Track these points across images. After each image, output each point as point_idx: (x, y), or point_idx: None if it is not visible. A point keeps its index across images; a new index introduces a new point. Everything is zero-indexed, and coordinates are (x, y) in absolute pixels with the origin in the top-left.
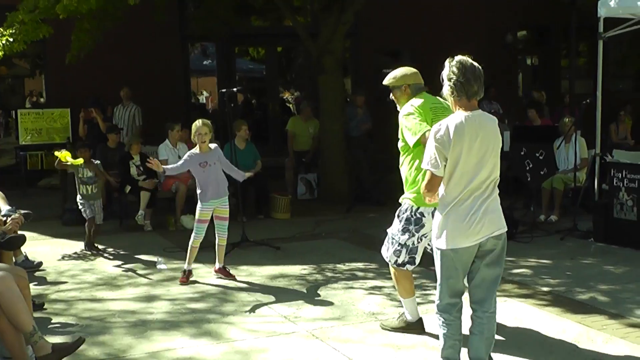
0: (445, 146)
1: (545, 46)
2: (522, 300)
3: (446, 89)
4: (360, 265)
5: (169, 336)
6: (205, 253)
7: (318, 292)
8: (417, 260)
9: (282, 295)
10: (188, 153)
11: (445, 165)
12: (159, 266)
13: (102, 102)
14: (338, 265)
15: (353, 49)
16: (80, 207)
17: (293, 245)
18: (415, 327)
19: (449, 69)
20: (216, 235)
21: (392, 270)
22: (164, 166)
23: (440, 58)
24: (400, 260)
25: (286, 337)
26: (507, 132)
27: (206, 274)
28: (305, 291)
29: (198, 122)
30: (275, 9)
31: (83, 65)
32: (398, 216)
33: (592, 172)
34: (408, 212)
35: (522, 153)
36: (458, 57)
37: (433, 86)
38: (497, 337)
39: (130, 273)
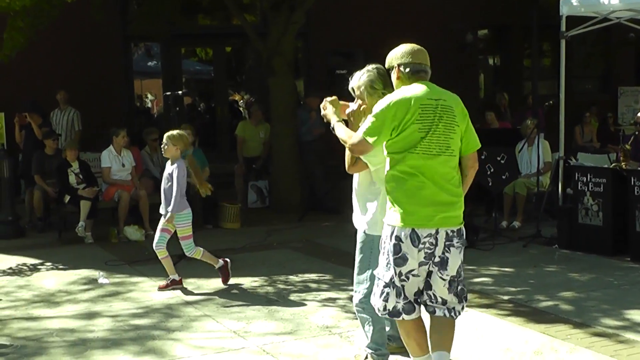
0: None
1: (507, 46)
2: (483, 310)
3: None
4: (313, 276)
5: (110, 355)
6: (150, 266)
7: (269, 305)
8: (417, 309)
9: (231, 309)
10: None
11: None
12: (100, 281)
13: (40, 106)
14: (290, 277)
15: (305, 50)
16: None
17: (243, 256)
18: None
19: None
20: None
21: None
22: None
23: None
24: (390, 306)
25: (235, 353)
26: None
27: (150, 288)
28: (255, 304)
29: (168, 134)
30: (222, 7)
31: (17, 66)
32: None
33: (556, 176)
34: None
35: (483, 157)
36: None
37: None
38: (457, 348)
39: (69, 288)
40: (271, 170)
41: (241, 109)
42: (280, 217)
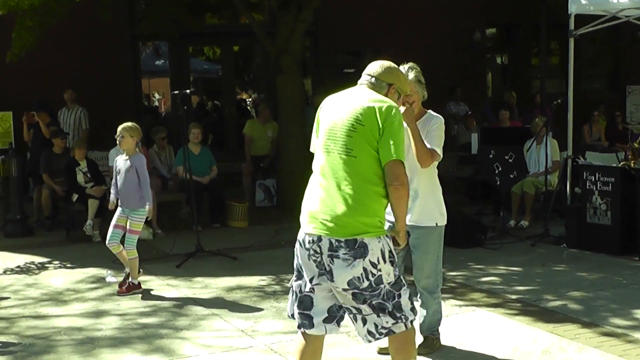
0: None
1: (515, 45)
2: (491, 309)
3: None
4: None
5: (118, 354)
6: (158, 265)
7: (277, 304)
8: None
9: (239, 307)
10: (116, 156)
11: None
12: (108, 279)
13: (48, 104)
14: None
15: (313, 48)
16: None
17: (251, 255)
18: None
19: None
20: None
21: (407, 345)
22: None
23: (404, 57)
24: (415, 310)
25: (243, 352)
26: (475, 133)
27: (158, 287)
28: (263, 303)
29: (121, 126)
30: (231, 6)
31: (26, 66)
32: (375, 265)
33: (564, 175)
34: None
35: (491, 156)
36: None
37: None
38: (465, 348)
39: (77, 287)
40: (279, 168)
41: (249, 107)
42: (288, 216)
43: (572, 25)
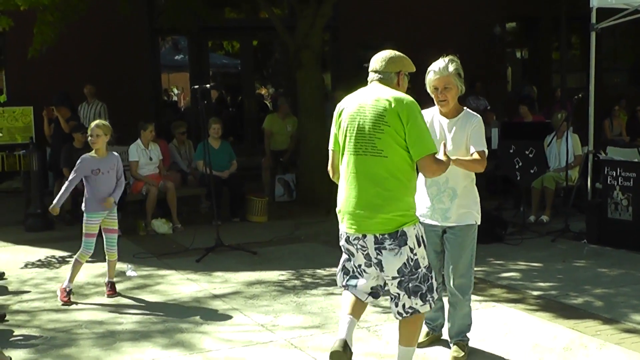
0: None
1: (536, 38)
2: (512, 305)
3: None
4: None
5: (139, 347)
6: (178, 259)
7: (297, 298)
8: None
9: (259, 302)
10: (81, 157)
11: None
12: (128, 273)
13: (69, 99)
14: (318, 271)
15: (332, 43)
16: None
17: (270, 250)
18: None
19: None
20: (105, 250)
21: (419, 320)
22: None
23: (424, 51)
24: (437, 295)
25: (263, 347)
26: (495, 129)
27: (178, 281)
28: (283, 298)
29: (92, 123)
30: (250, 0)
31: (46, 61)
32: (412, 250)
33: (584, 170)
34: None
35: (511, 151)
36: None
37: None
38: (485, 344)
39: (97, 281)
40: (298, 163)
41: (267, 102)
42: (308, 211)
43: (593, 19)
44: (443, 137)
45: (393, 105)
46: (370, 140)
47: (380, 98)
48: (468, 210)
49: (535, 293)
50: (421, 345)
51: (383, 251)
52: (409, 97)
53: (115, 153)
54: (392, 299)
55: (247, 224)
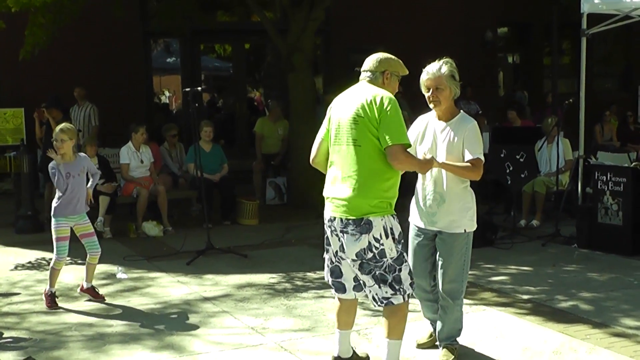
0: None
1: (527, 44)
2: (502, 309)
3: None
4: None
5: (128, 350)
6: (168, 262)
7: (287, 301)
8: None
9: (249, 305)
10: (51, 164)
11: None
12: (118, 276)
13: (61, 101)
14: (308, 274)
15: (324, 47)
16: None
17: (261, 253)
18: None
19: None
20: (87, 253)
21: (400, 311)
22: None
23: (416, 56)
24: (413, 285)
25: (253, 350)
26: (486, 133)
27: (169, 284)
28: (273, 301)
29: (57, 128)
30: (242, 4)
31: (38, 63)
32: (378, 239)
33: (575, 175)
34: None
35: (502, 155)
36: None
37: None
38: (475, 348)
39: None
40: (289, 166)
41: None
42: (299, 214)
43: (584, 25)
44: (435, 140)
45: (370, 98)
46: (347, 132)
47: (362, 93)
48: (456, 217)
49: (526, 297)
50: (423, 346)
51: (345, 235)
52: (388, 93)
53: (82, 154)
54: (364, 285)
55: (238, 227)
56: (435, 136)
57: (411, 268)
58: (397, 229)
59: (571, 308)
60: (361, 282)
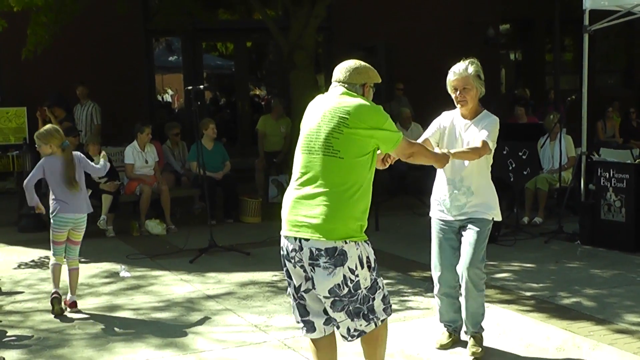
0: None
1: (529, 40)
2: (505, 306)
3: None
4: None
5: (132, 348)
6: (171, 260)
7: (290, 299)
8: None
9: (252, 303)
10: (43, 167)
11: None
12: (122, 274)
13: (64, 99)
14: None
15: (326, 44)
16: None
17: (264, 251)
18: None
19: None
20: (65, 257)
21: (378, 337)
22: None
23: (417, 53)
24: (389, 310)
25: (257, 347)
26: None
27: (172, 282)
28: (276, 299)
29: (42, 129)
30: (243, 2)
31: (40, 61)
32: (353, 271)
33: (578, 172)
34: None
35: (505, 152)
36: None
37: (411, 83)
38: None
39: (91, 281)
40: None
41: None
42: None
43: (586, 21)
44: (460, 137)
45: (356, 108)
46: (326, 140)
47: (344, 102)
48: (487, 204)
49: (529, 294)
50: (445, 347)
51: (316, 268)
52: (367, 102)
53: (77, 153)
54: (333, 321)
55: (240, 225)
56: (461, 133)
57: (387, 293)
58: (372, 256)
59: (574, 305)
60: (331, 317)
